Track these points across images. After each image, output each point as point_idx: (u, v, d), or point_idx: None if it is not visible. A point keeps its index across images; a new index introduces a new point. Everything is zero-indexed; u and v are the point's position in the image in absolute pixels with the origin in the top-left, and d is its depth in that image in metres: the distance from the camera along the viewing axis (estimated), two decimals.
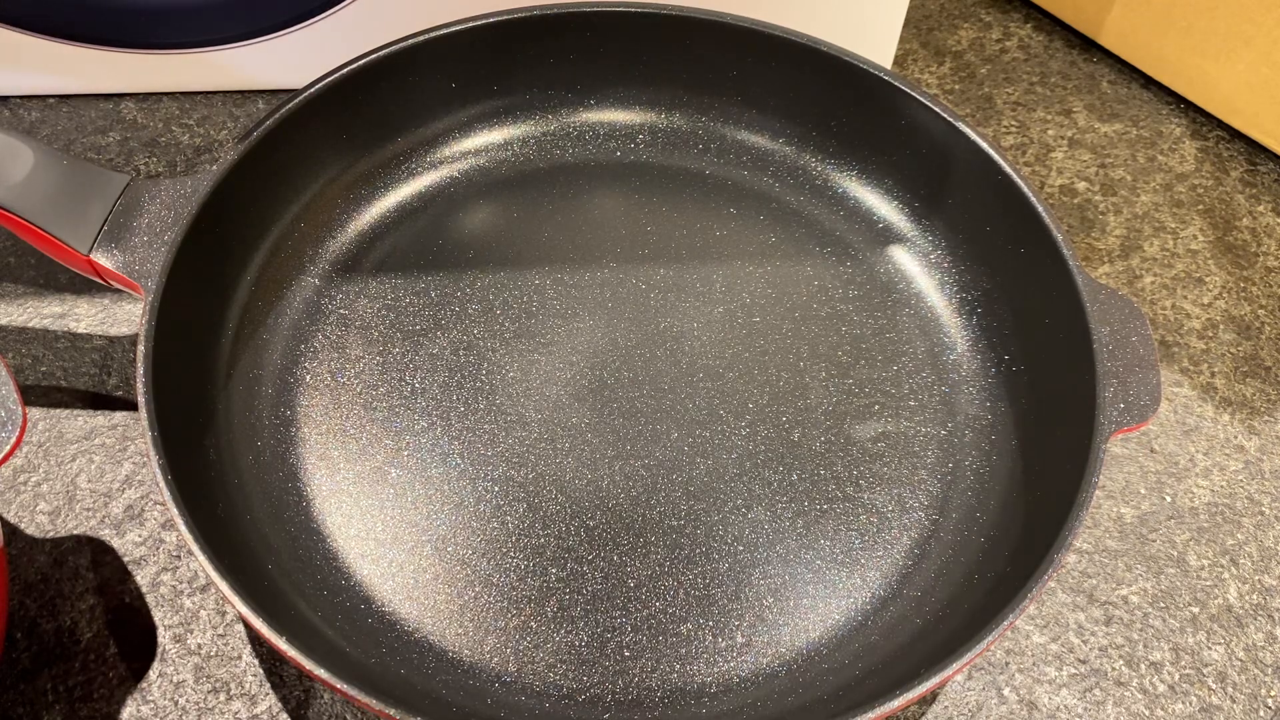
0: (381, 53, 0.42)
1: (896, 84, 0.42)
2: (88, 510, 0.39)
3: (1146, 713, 0.37)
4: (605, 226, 0.45)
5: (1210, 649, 0.38)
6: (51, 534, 0.39)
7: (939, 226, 0.44)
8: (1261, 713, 0.37)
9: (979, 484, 0.39)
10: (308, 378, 0.40)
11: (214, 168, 0.39)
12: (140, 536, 0.39)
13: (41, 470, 0.40)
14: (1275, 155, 0.51)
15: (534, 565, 0.37)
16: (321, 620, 0.35)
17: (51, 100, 0.50)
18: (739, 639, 0.36)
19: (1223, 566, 0.40)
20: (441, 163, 0.46)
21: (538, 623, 0.36)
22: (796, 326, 0.42)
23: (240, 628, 0.37)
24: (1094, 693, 0.37)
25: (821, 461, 0.39)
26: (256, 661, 0.37)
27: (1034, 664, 0.38)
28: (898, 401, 0.41)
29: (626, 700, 0.35)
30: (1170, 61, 0.52)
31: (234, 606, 0.31)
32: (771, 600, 0.36)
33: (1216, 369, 0.45)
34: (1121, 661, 0.38)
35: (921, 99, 0.42)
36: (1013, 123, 0.52)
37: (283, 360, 0.41)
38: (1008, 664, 0.38)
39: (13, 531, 0.39)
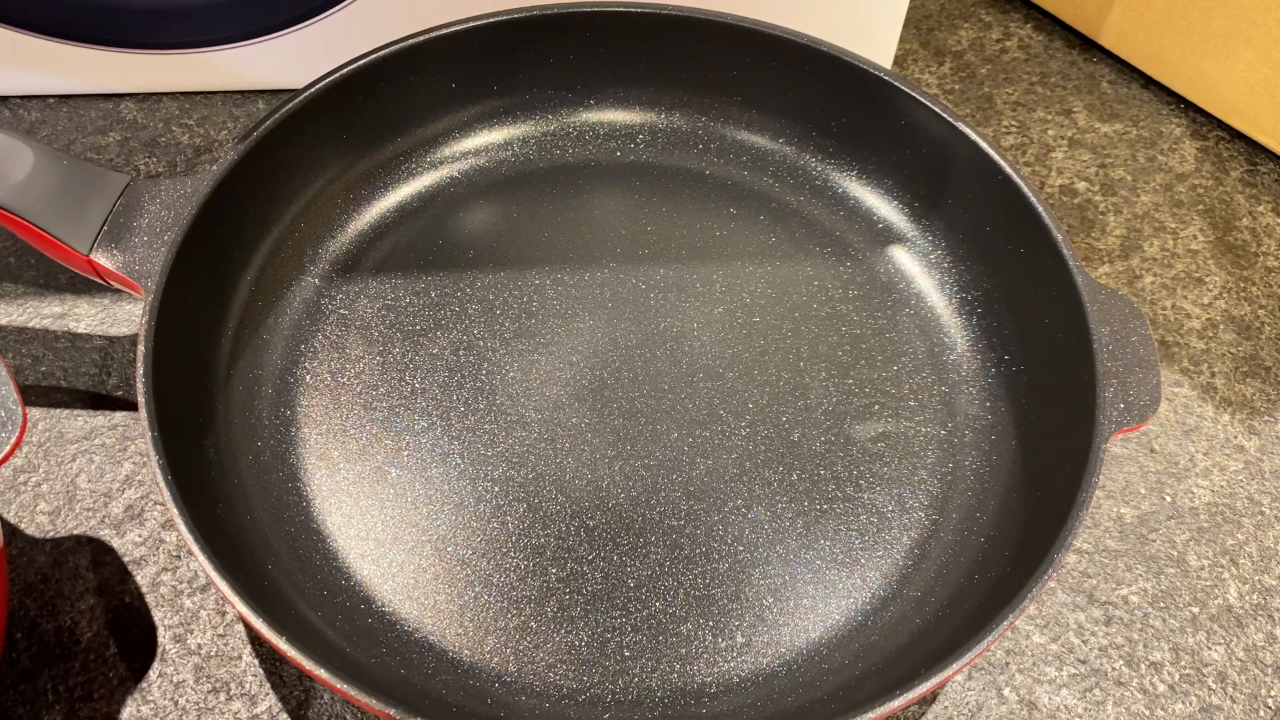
0: (381, 53, 0.42)
1: (896, 84, 0.42)
2: (88, 510, 0.39)
3: (1146, 713, 0.37)
4: (605, 226, 0.45)
5: (1210, 649, 0.38)
6: (51, 534, 0.39)
7: (939, 226, 0.44)
8: (1261, 713, 0.37)
9: (979, 484, 0.39)
10: (308, 378, 0.40)
11: (214, 168, 0.39)
12: (140, 536, 0.39)
13: (41, 470, 0.40)
14: (1275, 155, 0.51)
15: (534, 565, 0.37)
16: (321, 620, 0.35)
17: (51, 100, 0.50)
18: (739, 639, 0.36)
19: (1223, 566, 0.40)
20: (441, 163, 0.46)
21: (538, 623, 0.36)
22: (796, 326, 0.42)
23: (240, 628, 0.37)
24: (1094, 693, 0.37)
25: (821, 461, 0.39)
26: (256, 661, 0.37)
27: (1034, 664, 0.38)
28: (898, 401, 0.41)
29: (626, 700, 0.35)
30: (1170, 61, 0.52)
31: (234, 606, 0.31)
32: (771, 600, 0.36)
33: (1216, 369, 0.45)
34: (1121, 661, 0.38)
35: (921, 99, 0.42)
36: (1013, 123, 0.52)
37: (283, 360, 0.41)
38: (1008, 664, 0.38)
39: (13, 531, 0.39)
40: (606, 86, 0.46)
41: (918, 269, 0.44)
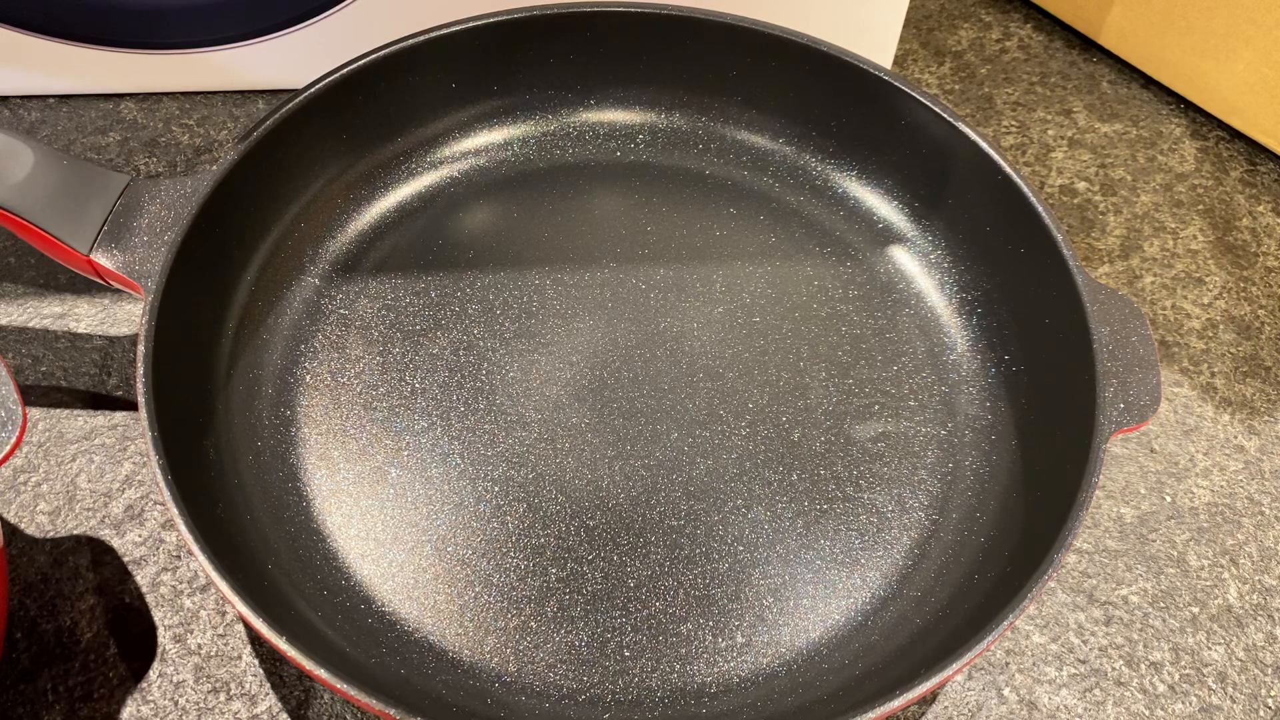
0: (381, 53, 0.42)
1: (896, 84, 0.42)
2: (88, 510, 0.39)
3: (1146, 713, 0.37)
4: (605, 226, 0.45)
5: (1210, 649, 0.38)
6: (51, 534, 0.39)
7: (939, 226, 0.44)
8: (1261, 713, 0.37)
9: (979, 484, 0.39)
10: (308, 378, 0.40)
11: (214, 168, 0.39)
12: (140, 536, 0.39)
13: (41, 470, 0.40)
14: (1275, 155, 0.51)
15: (534, 565, 0.37)
16: (321, 620, 0.35)
17: (51, 100, 0.50)
18: (739, 639, 0.36)
19: (1223, 566, 0.40)
20: (441, 163, 0.46)
21: (538, 623, 0.36)
22: (796, 326, 0.42)
23: (240, 628, 0.37)
24: (1094, 693, 0.37)
25: (821, 461, 0.39)
26: (256, 661, 0.37)
27: (1034, 664, 0.38)
28: (898, 401, 0.41)
29: (626, 700, 0.35)
30: (1170, 61, 0.52)
31: (234, 606, 0.31)
32: (771, 600, 0.36)
33: (1216, 369, 0.45)
34: (1121, 661, 0.38)
35: (921, 99, 0.42)
36: (1013, 123, 0.52)
37: (283, 360, 0.41)
38: (1008, 664, 0.38)
39: (13, 531, 0.39)
40: (606, 86, 0.46)
41: (918, 269, 0.44)
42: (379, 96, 0.43)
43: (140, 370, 0.34)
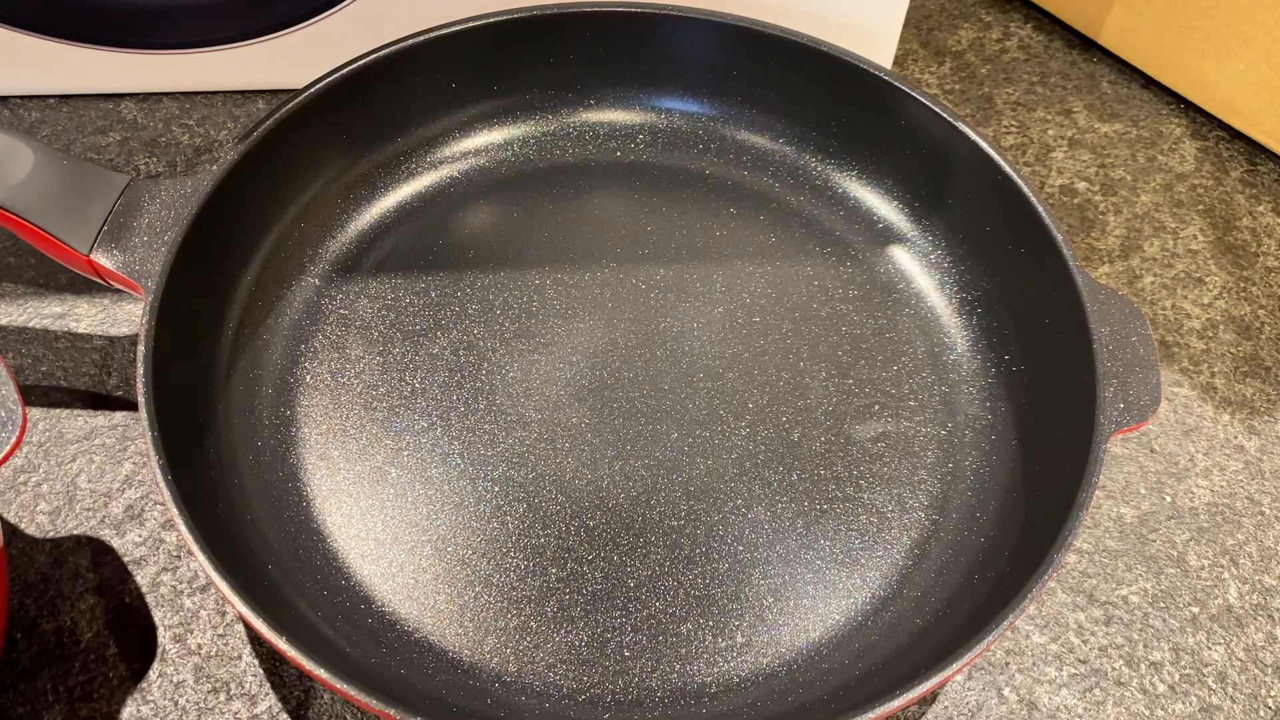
0: (381, 53, 0.42)
1: (896, 84, 0.42)
2: (88, 510, 0.39)
3: (1146, 713, 0.37)
4: (605, 226, 0.45)
5: (1210, 649, 0.38)
6: (51, 534, 0.39)
7: (939, 226, 0.44)
8: (1261, 713, 0.37)
9: (979, 484, 0.39)
10: (308, 378, 0.40)
11: (214, 168, 0.39)
12: (140, 536, 0.39)
13: (41, 470, 0.40)
14: (1275, 155, 0.51)
15: (534, 565, 0.37)
16: (321, 620, 0.35)
17: (51, 100, 0.50)
18: (739, 639, 0.36)
19: (1223, 566, 0.40)
20: (441, 163, 0.46)
21: (538, 623, 0.36)
22: (796, 326, 0.42)
23: (240, 628, 0.37)
24: (1094, 693, 0.37)
25: (821, 461, 0.39)
26: (256, 661, 0.37)
27: (1034, 664, 0.38)
28: (898, 401, 0.41)
29: (626, 700, 0.35)
30: (1170, 61, 0.52)
31: (234, 606, 0.31)
32: (771, 600, 0.36)
33: (1216, 369, 0.45)
34: (1121, 661, 0.38)
35: (921, 99, 0.42)
36: (1013, 123, 0.52)
37: (283, 360, 0.41)
38: (1008, 664, 0.38)
39: (13, 531, 0.39)
40: (606, 86, 0.46)
41: (918, 269, 0.44)
42: (379, 96, 0.43)
43: (140, 370, 0.34)
